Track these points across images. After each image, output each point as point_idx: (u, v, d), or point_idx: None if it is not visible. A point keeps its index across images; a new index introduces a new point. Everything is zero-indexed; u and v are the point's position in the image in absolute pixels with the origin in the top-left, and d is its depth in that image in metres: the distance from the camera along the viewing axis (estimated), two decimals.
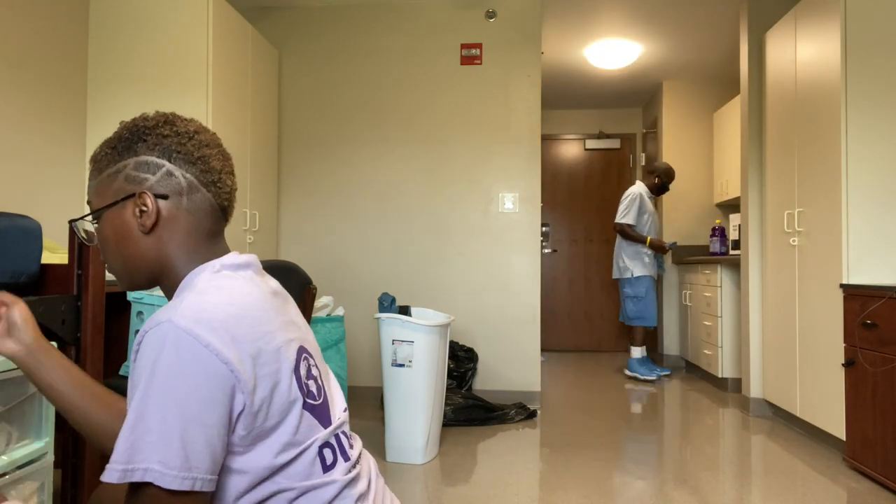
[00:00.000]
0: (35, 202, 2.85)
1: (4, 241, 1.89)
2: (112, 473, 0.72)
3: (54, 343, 1.93)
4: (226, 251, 0.94)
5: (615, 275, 5.15)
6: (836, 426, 2.90)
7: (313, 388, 0.88)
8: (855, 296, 2.73)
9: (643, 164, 6.63)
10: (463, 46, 4.13)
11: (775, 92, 3.60)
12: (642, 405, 4.09)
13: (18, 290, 2.05)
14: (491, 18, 4.11)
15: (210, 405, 0.74)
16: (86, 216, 0.92)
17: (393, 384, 2.88)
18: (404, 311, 3.14)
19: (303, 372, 0.86)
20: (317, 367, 0.91)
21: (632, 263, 5.01)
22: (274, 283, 0.94)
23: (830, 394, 2.96)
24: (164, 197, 0.88)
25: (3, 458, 1.68)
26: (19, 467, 1.60)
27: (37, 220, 2.67)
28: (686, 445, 3.17)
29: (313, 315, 2.89)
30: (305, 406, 0.84)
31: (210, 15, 3.13)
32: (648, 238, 5.01)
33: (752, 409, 3.80)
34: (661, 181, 5.09)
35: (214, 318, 0.77)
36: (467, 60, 4.12)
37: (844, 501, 2.43)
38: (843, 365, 2.81)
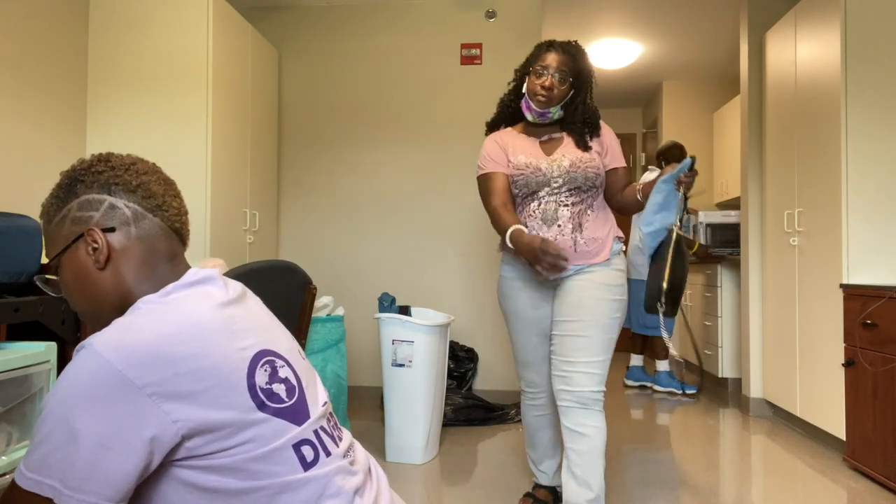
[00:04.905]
0: (35, 202, 2.85)
1: (4, 241, 1.88)
2: (23, 480, 0.75)
3: (54, 343, 1.93)
4: (185, 271, 0.95)
5: (631, 274, 4.45)
6: (836, 426, 2.90)
7: (280, 392, 0.87)
8: (855, 296, 2.73)
9: (643, 164, 6.63)
10: (463, 46, 4.13)
11: (775, 92, 3.60)
12: (642, 406, 4.09)
13: (18, 290, 2.05)
14: (491, 18, 4.11)
15: (119, 430, 0.75)
16: (43, 270, 0.95)
17: (393, 384, 2.88)
18: (404, 311, 3.14)
19: (260, 380, 0.85)
20: (287, 366, 0.90)
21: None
22: (233, 291, 0.92)
23: (830, 394, 2.96)
24: (112, 230, 0.90)
25: (3, 458, 1.68)
26: None
27: (36, 220, 2.68)
28: (686, 445, 3.17)
29: (313, 315, 2.89)
30: (266, 410, 0.84)
31: (210, 15, 3.13)
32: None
33: (752, 409, 3.80)
34: (668, 163, 4.38)
35: (137, 344, 0.78)
36: (467, 60, 4.12)
37: (844, 501, 2.43)
38: (843, 365, 2.81)
